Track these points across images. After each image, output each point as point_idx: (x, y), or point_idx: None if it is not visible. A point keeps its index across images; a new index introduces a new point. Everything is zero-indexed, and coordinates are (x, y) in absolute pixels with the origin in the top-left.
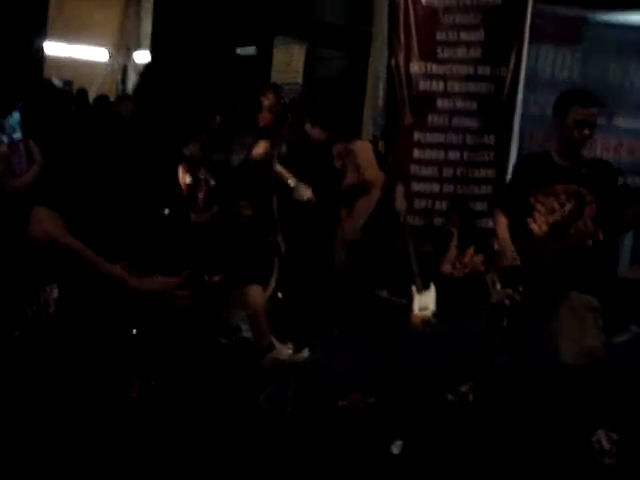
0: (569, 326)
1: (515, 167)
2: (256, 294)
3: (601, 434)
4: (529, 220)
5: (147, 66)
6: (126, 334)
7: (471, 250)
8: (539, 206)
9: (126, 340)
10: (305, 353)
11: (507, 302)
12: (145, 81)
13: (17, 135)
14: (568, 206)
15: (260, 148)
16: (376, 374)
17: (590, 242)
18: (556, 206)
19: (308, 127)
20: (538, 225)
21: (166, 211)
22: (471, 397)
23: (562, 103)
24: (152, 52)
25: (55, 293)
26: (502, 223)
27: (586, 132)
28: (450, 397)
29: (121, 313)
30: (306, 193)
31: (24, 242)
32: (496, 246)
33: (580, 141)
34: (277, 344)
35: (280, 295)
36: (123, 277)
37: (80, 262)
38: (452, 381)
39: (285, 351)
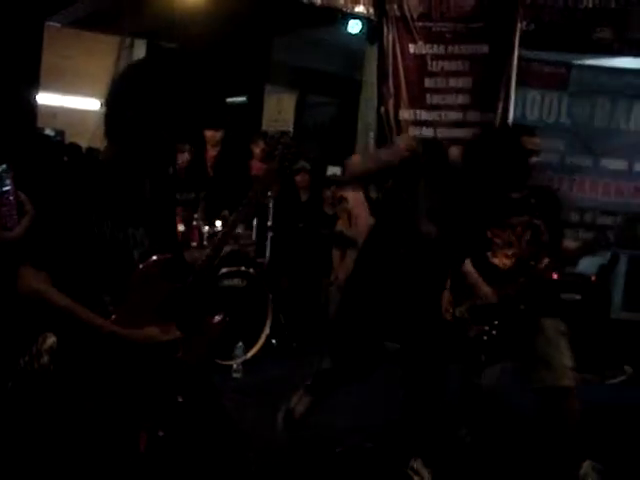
0: (546, 351)
1: None
2: None
3: (587, 467)
4: (489, 255)
5: (109, 105)
6: (128, 383)
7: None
8: (497, 240)
9: (131, 391)
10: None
11: (484, 337)
12: (113, 122)
13: (7, 187)
14: (525, 237)
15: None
16: (372, 419)
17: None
18: (513, 238)
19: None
20: (500, 259)
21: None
22: (468, 440)
23: (509, 136)
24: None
25: (48, 343)
26: (467, 264)
27: (535, 160)
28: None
29: (122, 363)
30: None
31: (15, 294)
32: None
33: (531, 170)
34: None
35: (274, 341)
36: (112, 330)
37: (69, 318)
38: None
39: None
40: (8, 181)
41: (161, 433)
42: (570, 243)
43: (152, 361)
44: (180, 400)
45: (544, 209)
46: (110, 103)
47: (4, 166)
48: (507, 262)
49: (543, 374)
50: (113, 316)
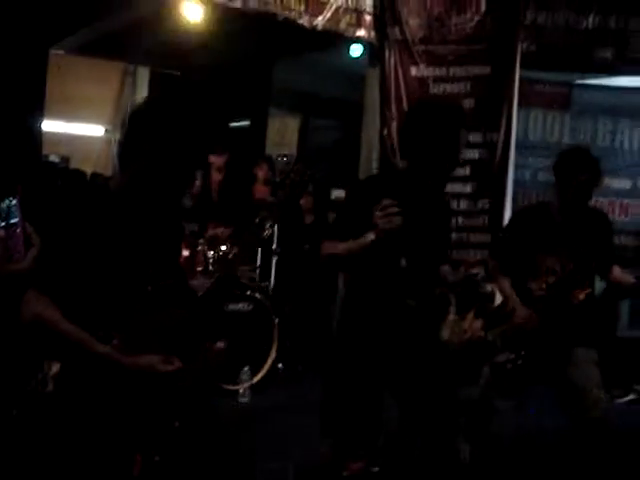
0: (577, 381)
1: (512, 222)
2: None
3: None
4: (529, 279)
5: (127, 136)
6: (128, 408)
7: (470, 315)
8: (540, 266)
9: (128, 415)
10: None
11: (509, 365)
12: (128, 151)
13: (14, 219)
14: (569, 266)
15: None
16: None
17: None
18: (557, 267)
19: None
20: (537, 285)
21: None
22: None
23: (566, 168)
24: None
25: (54, 370)
26: (506, 284)
27: (591, 193)
28: None
29: (122, 388)
30: None
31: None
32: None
33: (585, 202)
34: None
35: (280, 365)
36: (111, 356)
37: (70, 343)
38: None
39: None
40: (16, 213)
41: (157, 458)
42: (623, 276)
43: (150, 386)
44: (177, 425)
45: (595, 233)
46: (126, 135)
47: (12, 199)
48: (544, 288)
49: (573, 403)
50: (115, 341)
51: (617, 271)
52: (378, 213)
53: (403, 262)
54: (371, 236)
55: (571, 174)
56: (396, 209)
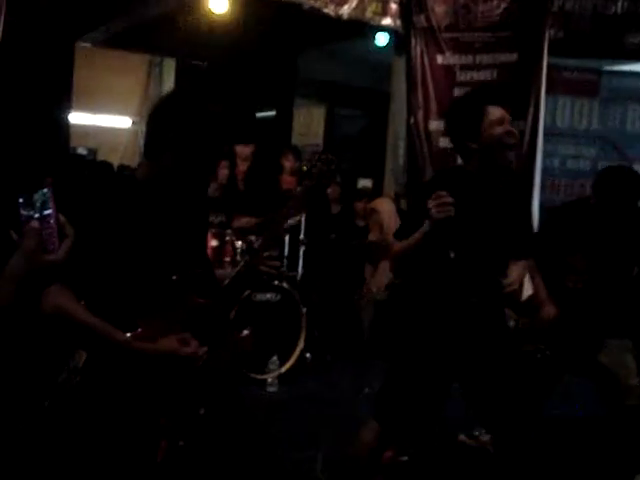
0: (613, 368)
1: (551, 219)
2: None
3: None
4: (565, 274)
5: (153, 126)
6: (152, 395)
7: None
8: (578, 266)
9: (153, 400)
10: None
11: (538, 355)
12: (154, 141)
13: (48, 210)
14: (607, 263)
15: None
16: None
17: None
18: (594, 264)
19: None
20: (573, 282)
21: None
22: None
23: (606, 188)
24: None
25: (84, 360)
26: (538, 279)
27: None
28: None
29: (145, 373)
30: None
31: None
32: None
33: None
34: None
35: (308, 355)
36: (133, 344)
37: (91, 333)
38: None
39: None
40: (50, 204)
41: (182, 443)
42: None
43: (174, 372)
44: (202, 412)
45: (635, 230)
46: (152, 125)
47: (46, 190)
48: (580, 286)
49: (608, 391)
50: (139, 330)
51: None
52: (431, 202)
53: (452, 254)
54: (426, 227)
55: (611, 198)
56: (450, 199)
